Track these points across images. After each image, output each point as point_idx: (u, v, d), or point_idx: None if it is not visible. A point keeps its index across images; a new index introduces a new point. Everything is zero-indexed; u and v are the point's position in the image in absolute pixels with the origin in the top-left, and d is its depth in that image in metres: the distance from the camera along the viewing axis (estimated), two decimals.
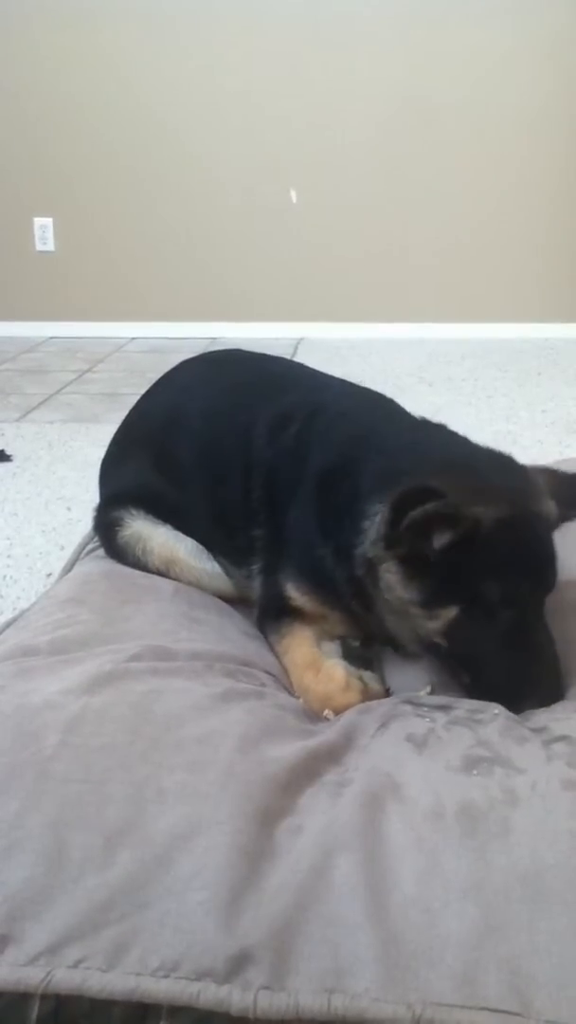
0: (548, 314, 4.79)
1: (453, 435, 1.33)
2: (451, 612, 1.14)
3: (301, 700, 1.24)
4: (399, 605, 1.18)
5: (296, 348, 4.47)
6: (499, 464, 1.24)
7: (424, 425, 1.38)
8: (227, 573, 1.51)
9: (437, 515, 1.08)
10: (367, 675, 1.26)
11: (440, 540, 1.10)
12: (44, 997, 0.77)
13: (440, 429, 1.35)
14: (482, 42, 4.47)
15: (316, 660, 1.27)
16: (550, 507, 1.19)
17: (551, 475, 1.28)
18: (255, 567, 1.44)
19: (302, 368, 1.72)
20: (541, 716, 1.09)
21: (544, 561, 1.16)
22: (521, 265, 4.78)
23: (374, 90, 4.60)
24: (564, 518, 1.24)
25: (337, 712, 1.18)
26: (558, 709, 1.11)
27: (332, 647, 1.33)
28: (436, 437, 1.32)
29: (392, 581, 1.18)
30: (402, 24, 4.50)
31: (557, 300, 4.81)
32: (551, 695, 1.13)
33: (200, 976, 0.76)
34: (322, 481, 1.31)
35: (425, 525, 1.09)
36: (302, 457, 1.36)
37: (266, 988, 0.74)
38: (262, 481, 1.42)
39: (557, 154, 4.62)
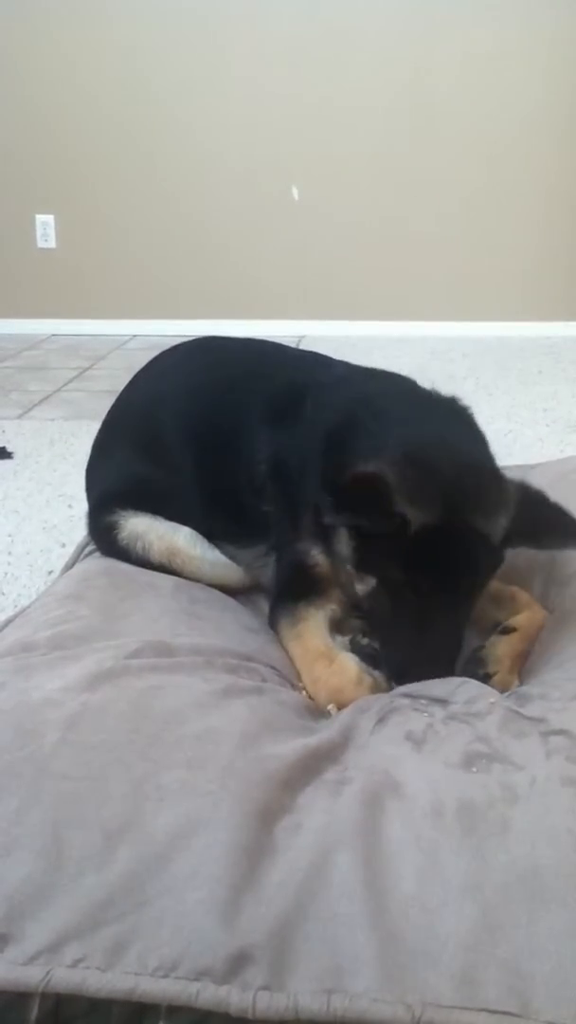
0: (549, 313, 4.77)
1: (454, 413, 1.38)
2: (371, 581, 1.24)
3: (305, 691, 1.23)
4: (341, 559, 1.29)
5: (298, 345, 4.46)
6: (472, 463, 1.25)
7: (429, 400, 1.42)
8: (233, 559, 1.51)
9: (373, 504, 1.14)
10: (376, 673, 1.26)
11: (370, 526, 1.18)
12: (44, 996, 0.77)
13: (442, 407, 1.40)
14: (484, 39, 4.45)
15: (330, 651, 1.28)
16: (494, 524, 1.19)
17: (527, 498, 1.26)
18: (269, 544, 1.45)
19: (274, 345, 1.72)
20: (538, 705, 1.09)
21: (458, 571, 1.19)
22: (522, 263, 4.77)
23: (376, 89, 4.58)
24: (523, 542, 1.26)
25: (343, 706, 1.18)
26: (555, 696, 1.10)
27: (343, 642, 1.32)
28: (436, 415, 1.37)
29: (341, 538, 1.28)
30: (405, 23, 4.48)
31: (558, 298, 4.79)
32: (433, 672, 1.19)
33: (199, 976, 0.75)
34: (328, 441, 1.35)
35: (362, 509, 1.17)
36: (316, 432, 1.37)
37: (265, 988, 0.74)
38: (270, 458, 1.42)
39: (560, 152, 4.61)
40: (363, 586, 1.25)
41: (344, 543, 1.26)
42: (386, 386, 1.48)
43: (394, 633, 1.25)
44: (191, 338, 1.80)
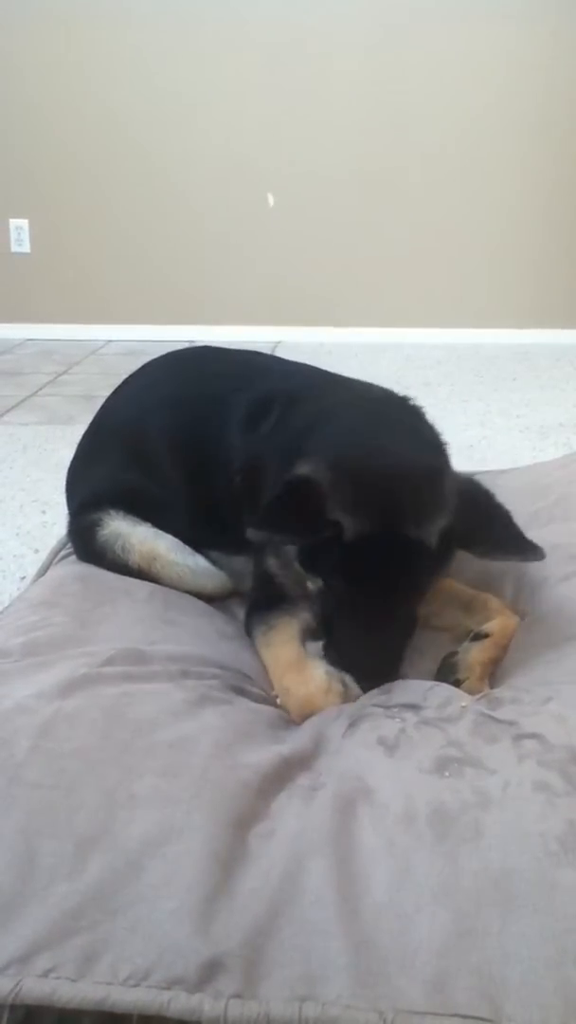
0: (524, 320, 4.82)
1: (408, 422, 1.38)
2: (318, 582, 1.25)
3: (279, 699, 1.23)
4: (289, 560, 1.31)
5: (273, 351, 4.47)
6: (416, 471, 1.22)
7: (384, 408, 1.41)
8: (221, 566, 1.51)
9: (308, 511, 1.16)
10: (347, 678, 1.26)
11: (305, 533, 1.19)
12: (13, 1008, 0.76)
13: (395, 415, 1.39)
14: (460, 46, 4.49)
15: (300, 660, 1.27)
16: (428, 529, 1.16)
17: (471, 499, 1.24)
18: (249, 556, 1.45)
19: (268, 357, 1.72)
20: (510, 709, 1.08)
21: (394, 577, 1.19)
22: (497, 271, 4.81)
23: (352, 94, 4.60)
24: (463, 545, 1.23)
25: (313, 715, 1.17)
26: (526, 700, 1.10)
27: (315, 648, 1.32)
28: (386, 423, 1.36)
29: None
30: (381, 28, 4.51)
31: (532, 306, 4.84)
32: (373, 676, 1.21)
33: (171, 985, 0.75)
34: (283, 452, 1.34)
35: (297, 515, 1.17)
36: (283, 442, 1.36)
37: (237, 996, 0.74)
38: (243, 468, 1.42)
39: (532, 160, 4.66)
40: (312, 586, 1.28)
41: (290, 548, 1.30)
42: (345, 394, 1.47)
43: (339, 632, 1.26)
44: (169, 343, 1.80)
